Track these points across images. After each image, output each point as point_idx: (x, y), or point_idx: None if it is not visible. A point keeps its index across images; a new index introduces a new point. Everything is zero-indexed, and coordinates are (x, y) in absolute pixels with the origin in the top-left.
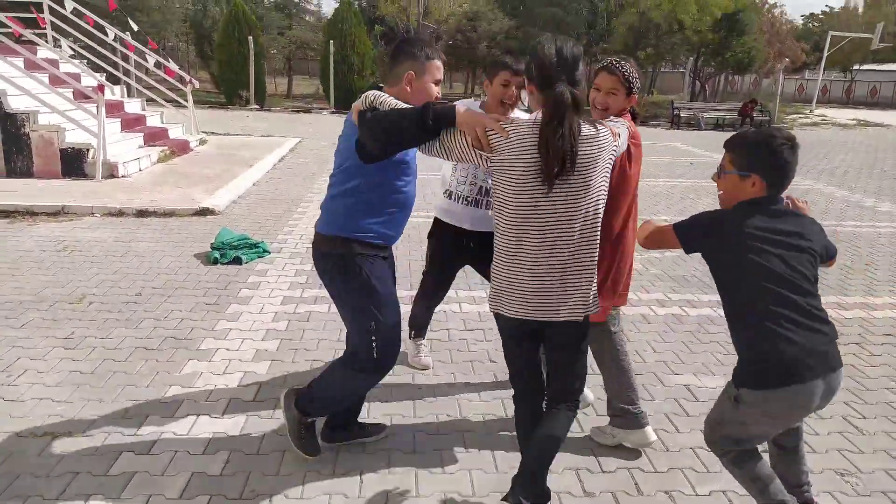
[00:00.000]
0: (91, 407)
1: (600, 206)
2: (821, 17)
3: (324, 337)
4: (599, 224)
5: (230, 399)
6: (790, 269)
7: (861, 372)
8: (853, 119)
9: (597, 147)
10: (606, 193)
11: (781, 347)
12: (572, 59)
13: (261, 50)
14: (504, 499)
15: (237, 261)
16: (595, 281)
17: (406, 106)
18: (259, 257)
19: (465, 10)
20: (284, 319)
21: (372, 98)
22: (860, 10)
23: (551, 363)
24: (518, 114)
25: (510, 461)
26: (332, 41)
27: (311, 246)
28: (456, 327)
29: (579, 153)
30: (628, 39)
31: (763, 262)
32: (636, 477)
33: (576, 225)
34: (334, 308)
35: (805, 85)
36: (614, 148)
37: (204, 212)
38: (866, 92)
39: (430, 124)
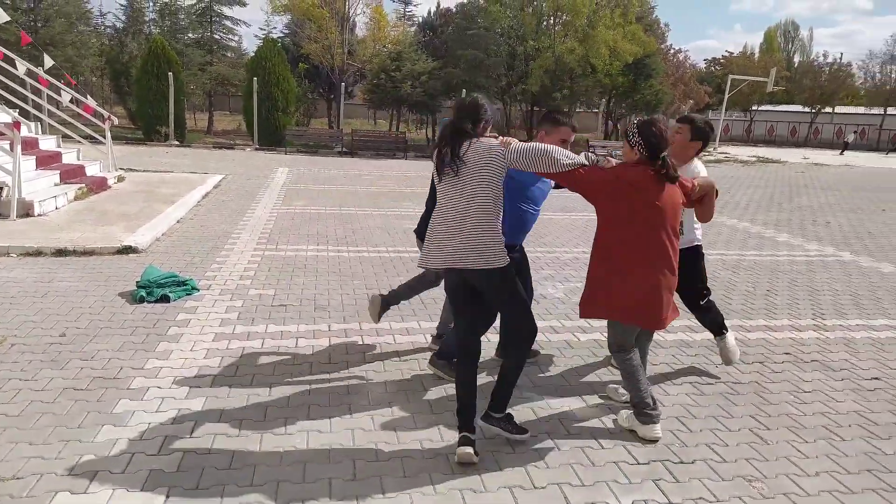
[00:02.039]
0: (21, 449)
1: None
2: (721, 61)
3: (258, 372)
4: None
5: (165, 436)
6: None
7: (764, 388)
8: (753, 156)
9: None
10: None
11: None
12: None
13: (181, 86)
14: None
15: (165, 299)
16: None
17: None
18: (187, 295)
19: (389, 50)
20: (217, 356)
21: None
22: (756, 55)
23: None
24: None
25: (449, 485)
26: (255, 78)
27: (240, 282)
28: (391, 358)
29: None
30: (545, 81)
31: None
32: (565, 490)
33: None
34: (268, 343)
35: None
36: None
37: (126, 250)
38: (764, 131)
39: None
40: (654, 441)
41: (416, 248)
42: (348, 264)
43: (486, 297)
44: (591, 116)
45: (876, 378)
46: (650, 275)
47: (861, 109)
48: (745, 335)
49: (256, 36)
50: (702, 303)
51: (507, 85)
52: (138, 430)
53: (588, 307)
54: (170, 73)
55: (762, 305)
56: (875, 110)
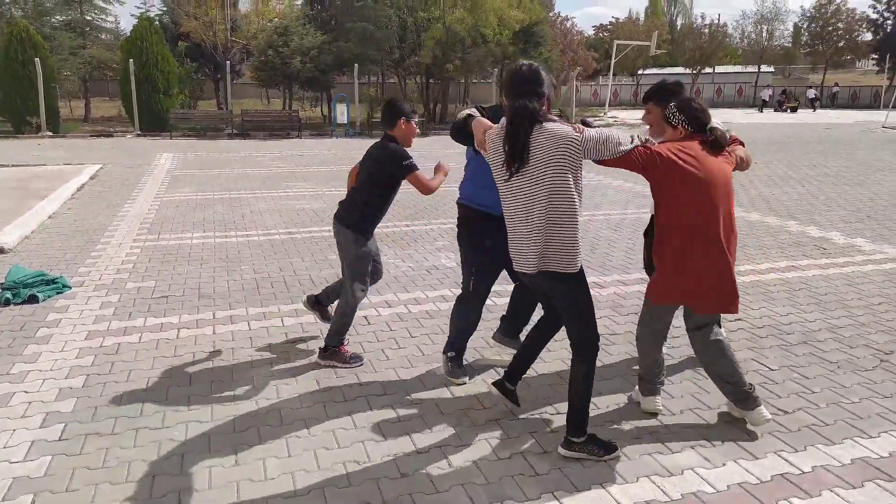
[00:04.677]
0: None
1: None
2: (609, 27)
3: (135, 367)
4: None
5: (32, 441)
6: None
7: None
8: (640, 119)
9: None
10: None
11: None
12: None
13: (50, 72)
14: None
15: (32, 299)
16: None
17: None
18: (58, 293)
19: (274, 25)
20: (90, 354)
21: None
22: (642, 20)
23: None
24: None
25: (332, 460)
26: (131, 60)
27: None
28: (278, 341)
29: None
30: (437, 52)
31: None
32: (445, 451)
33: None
34: (146, 336)
35: (599, 90)
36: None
37: None
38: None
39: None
40: (654, 414)
41: (310, 229)
42: (236, 249)
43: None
44: (486, 87)
45: (739, 319)
46: (715, 255)
47: (738, 68)
48: (623, 289)
49: (133, 15)
50: None
51: (399, 58)
52: (2, 437)
53: (658, 292)
54: (37, 60)
55: (640, 259)
56: (750, 68)
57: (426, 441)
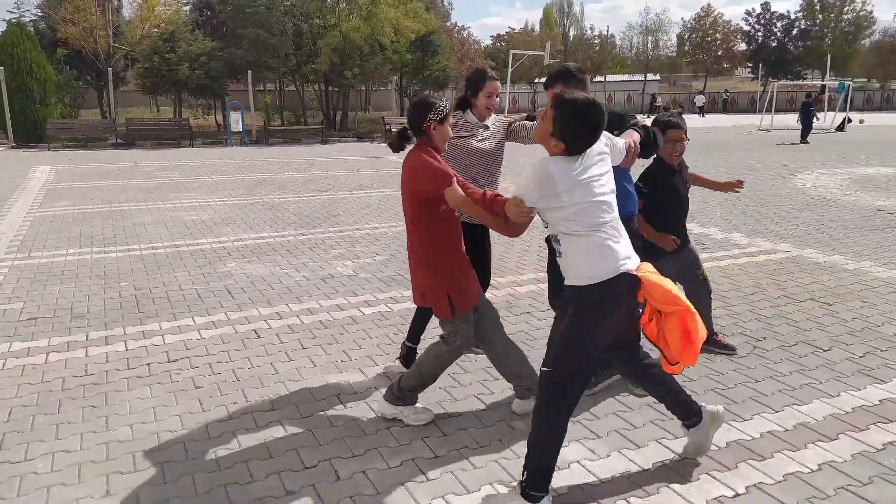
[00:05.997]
0: None
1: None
2: (505, 38)
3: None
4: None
5: None
6: None
7: (530, 336)
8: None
9: None
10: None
11: None
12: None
13: None
14: None
15: None
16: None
17: None
18: None
19: (160, 31)
20: None
21: None
22: (537, 30)
23: None
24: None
25: (211, 483)
26: (1, 68)
27: None
28: (158, 360)
29: None
30: (334, 60)
31: None
32: (334, 464)
33: None
34: (11, 363)
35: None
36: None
37: None
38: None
39: None
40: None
41: (198, 241)
42: (115, 265)
43: None
44: (387, 94)
45: None
46: (410, 258)
47: (627, 76)
48: (516, 289)
49: (4, 20)
50: None
51: (296, 65)
52: None
53: None
54: None
55: (534, 261)
56: (638, 76)
57: (314, 456)
